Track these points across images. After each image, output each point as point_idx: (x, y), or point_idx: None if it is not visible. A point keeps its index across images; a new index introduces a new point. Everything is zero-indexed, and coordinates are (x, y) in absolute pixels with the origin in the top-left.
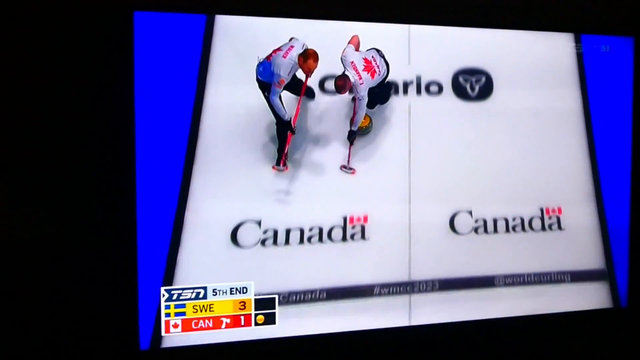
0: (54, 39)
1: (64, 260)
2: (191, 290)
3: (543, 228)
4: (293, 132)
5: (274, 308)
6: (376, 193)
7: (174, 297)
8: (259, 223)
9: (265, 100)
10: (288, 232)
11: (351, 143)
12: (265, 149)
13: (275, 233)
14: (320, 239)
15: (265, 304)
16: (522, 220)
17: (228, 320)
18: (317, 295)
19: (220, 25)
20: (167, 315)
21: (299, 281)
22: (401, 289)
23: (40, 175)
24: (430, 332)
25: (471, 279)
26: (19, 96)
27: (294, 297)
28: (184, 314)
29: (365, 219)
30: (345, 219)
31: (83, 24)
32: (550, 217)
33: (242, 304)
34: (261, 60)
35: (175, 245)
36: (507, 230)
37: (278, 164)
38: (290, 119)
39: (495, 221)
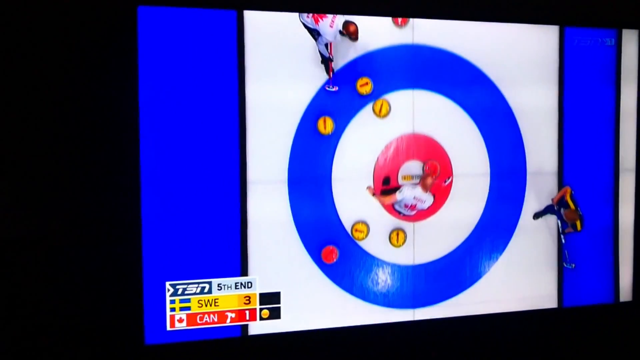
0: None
1: (67, 256)
2: (196, 285)
3: None
4: (331, 60)
5: (279, 302)
6: None
7: (179, 292)
8: None
9: (311, 36)
10: None
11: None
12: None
13: None
14: None
15: (270, 299)
16: None
17: (233, 315)
18: None
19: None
20: (172, 310)
21: None
22: None
23: (44, 172)
24: (432, 328)
25: None
26: (22, 92)
27: None
28: (189, 308)
29: None
30: None
31: (88, 19)
32: None
33: (247, 298)
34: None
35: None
36: None
37: (329, 83)
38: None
39: None
